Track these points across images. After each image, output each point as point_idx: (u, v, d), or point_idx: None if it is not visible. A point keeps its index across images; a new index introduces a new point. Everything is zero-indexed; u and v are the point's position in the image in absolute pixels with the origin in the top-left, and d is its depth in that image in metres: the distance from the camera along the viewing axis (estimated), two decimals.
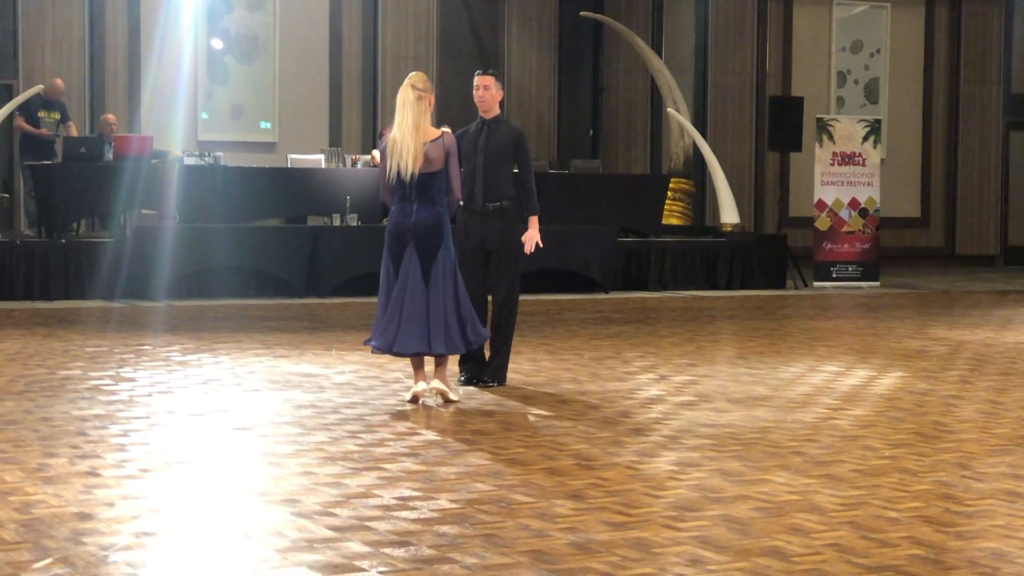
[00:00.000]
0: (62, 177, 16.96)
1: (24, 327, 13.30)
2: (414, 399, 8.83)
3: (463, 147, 9.39)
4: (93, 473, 6.59)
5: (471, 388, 9.45)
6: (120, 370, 10.23)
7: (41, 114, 18.40)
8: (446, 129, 9.12)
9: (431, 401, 8.83)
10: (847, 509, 5.98)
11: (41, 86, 18.48)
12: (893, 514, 5.89)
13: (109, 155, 17.56)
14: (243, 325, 13.69)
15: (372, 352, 9.12)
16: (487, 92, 9.57)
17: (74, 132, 18.68)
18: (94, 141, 17.89)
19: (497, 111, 9.67)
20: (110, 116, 18.93)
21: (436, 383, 8.86)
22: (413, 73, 8.87)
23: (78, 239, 17.10)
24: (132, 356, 11.05)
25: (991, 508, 6.02)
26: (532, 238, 9.61)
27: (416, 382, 8.92)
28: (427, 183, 8.73)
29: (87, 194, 17.11)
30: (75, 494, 6.15)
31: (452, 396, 8.90)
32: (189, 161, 17.73)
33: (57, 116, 18.59)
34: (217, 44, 22.04)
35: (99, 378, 9.79)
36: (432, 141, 8.72)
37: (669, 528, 5.65)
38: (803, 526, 5.68)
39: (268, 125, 22.43)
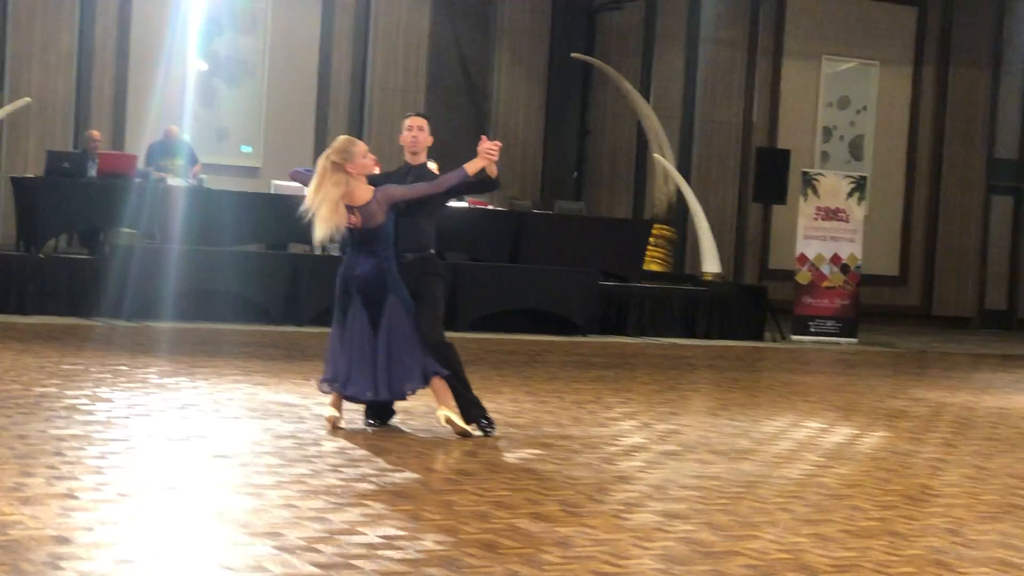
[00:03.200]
0: (43, 192, 16.83)
1: None
2: (332, 425, 8.96)
3: None
4: (71, 495, 6.45)
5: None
6: (97, 390, 10.09)
7: (163, 163, 18.23)
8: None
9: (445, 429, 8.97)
10: (839, 571, 5.89)
11: (28, 99, 18.35)
12: None
13: (93, 171, 17.43)
14: (220, 350, 13.55)
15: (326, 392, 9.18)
16: (421, 134, 9.09)
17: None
18: (77, 157, 17.76)
19: (424, 158, 9.21)
20: (95, 132, 18.81)
21: (444, 412, 8.92)
22: (338, 139, 8.83)
23: (56, 255, 16.97)
24: (109, 376, 10.91)
25: None
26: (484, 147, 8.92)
27: (332, 404, 9.07)
28: (368, 238, 8.85)
29: (68, 210, 16.98)
30: (53, 516, 6.01)
31: (458, 420, 8.96)
32: (173, 182, 17.60)
33: (180, 162, 18.44)
34: (202, 66, 21.93)
35: (76, 397, 9.65)
36: (364, 206, 8.72)
37: None
38: None
39: (249, 149, 22.33)
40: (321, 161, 8.71)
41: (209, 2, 21.94)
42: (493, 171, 8.98)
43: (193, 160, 18.74)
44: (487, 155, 8.90)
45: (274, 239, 18.24)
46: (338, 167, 8.62)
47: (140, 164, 18.10)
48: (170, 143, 18.76)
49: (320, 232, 8.68)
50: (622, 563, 5.81)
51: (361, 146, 8.75)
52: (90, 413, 8.99)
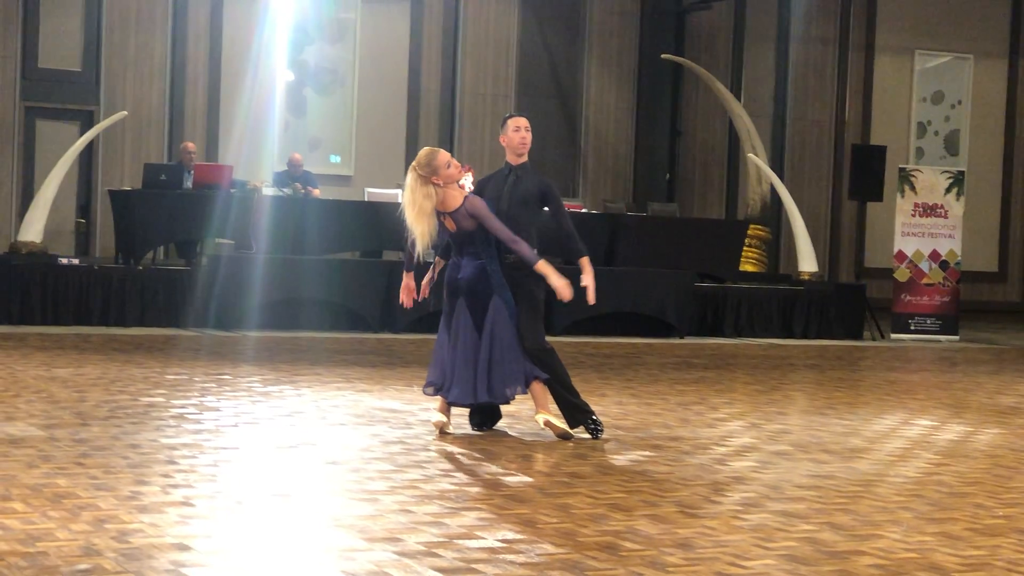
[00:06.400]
0: (141, 204, 16.95)
1: (102, 352, 13.24)
2: (440, 430, 8.94)
3: (487, 194, 8.98)
4: (187, 503, 6.44)
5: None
6: (203, 399, 10.11)
7: (286, 191, 18.23)
8: (471, 188, 9.04)
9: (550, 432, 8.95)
10: (970, 570, 5.75)
11: (124, 112, 18.51)
12: None
13: (188, 183, 17.54)
14: (320, 358, 13.57)
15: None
16: (529, 134, 9.05)
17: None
18: (174, 169, 17.89)
19: (526, 158, 9.12)
20: (190, 144, 18.92)
21: (542, 416, 8.91)
22: (421, 152, 8.86)
23: (155, 266, 17.09)
24: (213, 385, 10.94)
25: None
26: (590, 284, 8.92)
27: (439, 410, 9.03)
28: (466, 240, 8.85)
29: (165, 221, 17.10)
30: (171, 524, 6.00)
31: (558, 423, 8.94)
32: (268, 192, 17.67)
33: (303, 192, 18.48)
34: (289, 76, 22.02)
35: (183, 406, 9.68)
36: (455, 211, 8.74)
37: None
38: None
39: (338, 159, 22.40)
40: (410, 175, 8.75)
41: (297, 12, 22.04)
42: (560, 292, 8.78)
43: (313, 187, 18.78)
44: (566, 290, 8.75)
45: (368, 246, 18.27)
46: (426, 180, 8.64)
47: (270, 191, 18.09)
48: (294, 172, 18.78)
49: (421, 247, 8.76)
50: (746, 564, 5.71)
51: (443, 156, 8.75)
52: (198, 422, 9.00)
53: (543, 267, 8.73)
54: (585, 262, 9.01)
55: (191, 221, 17.06)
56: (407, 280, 9.05)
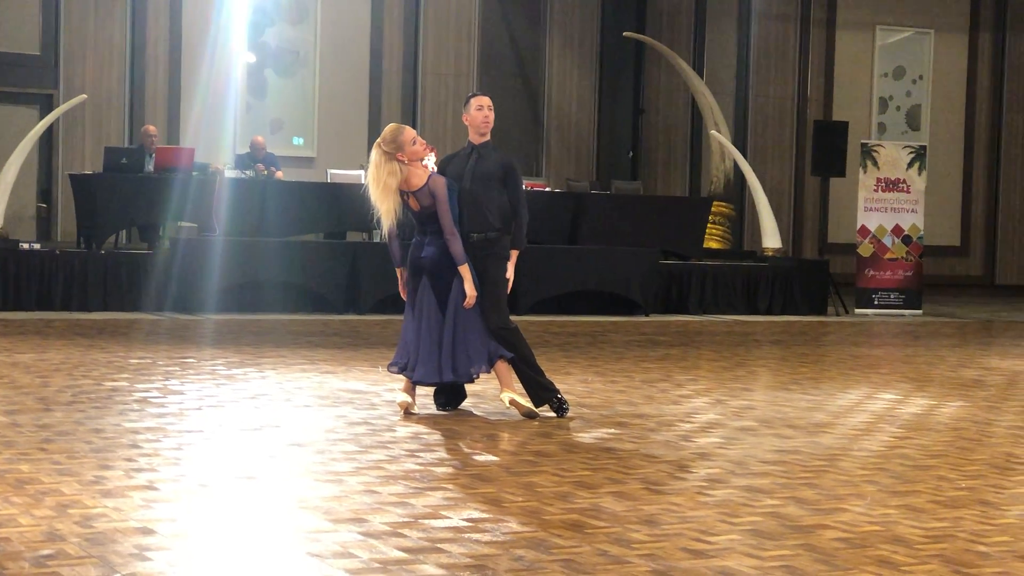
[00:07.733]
0: (102, 188, 16.85)
1: (65, 337, 13.17)
2: (405, 410, 8.92)
3: (449, 172, 8.98)
4: (151, 487, 6.42)
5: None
6: (167, 382, 10.07)
7: (248, 173, 18.09)
8: (433, 168, 9.07)
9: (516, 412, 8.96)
10: (933, 541, 5.78)
11: (84, 96, 18.42)
12: (983, 548, 5.68)
13: (150, 167, 17.44)
14: (285, 340, 13.54)
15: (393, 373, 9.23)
16: (491, 113, 9.04)
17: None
18: (135, 152, 17.78)
19: (489, 136, 9.13)
20: (151, 127, 18.77)
21: (507, 394, 8.90)
22: (386, 128, 8.85)
23: (117, 250, 17.00)
24: (177, 369, 10.90)
25: None
26: (510, 279, 9.02)
27: (404, 391, 9.04)
28: (430, 219, 8.81)
29: (127, 205, 16.99)
30: (135, 508, 5.97)
31: (523, 401, 8.94)
32: (231, 174, 17.59)
33: (265, 174, 18.32)
34: (250, 58, 21.90)
35: (147, 390, 9.64)
36: (419, 190, 8.72)
37: (752, 557, 5.45)
38: (891, 558, 5.47)
39: (300, 141, 22.30)
40: (374, 151, 8.72)
41: None
42: (467, 300, 8.78)
43: (276, 168, 18.66)
44: (471, 301, 8.75)
45: (332, 228, 18.20)
46: (391, 156, 8.62)
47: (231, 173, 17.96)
48: (256, 155, 18.65)
49: (386, 224, 8.74)
50: (711, 539, 5.72)
51: (409, 133, 8.73)
52: (162, 405, 8.97)
53: (465, 271, 8.77)
54: (514, 255, 9.07)
55: (153, 204, 16.96)
56: (403, 276, 9.03)
